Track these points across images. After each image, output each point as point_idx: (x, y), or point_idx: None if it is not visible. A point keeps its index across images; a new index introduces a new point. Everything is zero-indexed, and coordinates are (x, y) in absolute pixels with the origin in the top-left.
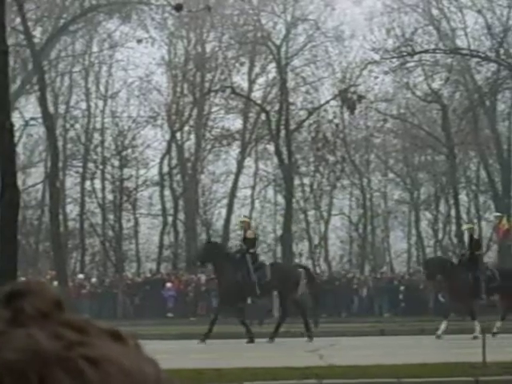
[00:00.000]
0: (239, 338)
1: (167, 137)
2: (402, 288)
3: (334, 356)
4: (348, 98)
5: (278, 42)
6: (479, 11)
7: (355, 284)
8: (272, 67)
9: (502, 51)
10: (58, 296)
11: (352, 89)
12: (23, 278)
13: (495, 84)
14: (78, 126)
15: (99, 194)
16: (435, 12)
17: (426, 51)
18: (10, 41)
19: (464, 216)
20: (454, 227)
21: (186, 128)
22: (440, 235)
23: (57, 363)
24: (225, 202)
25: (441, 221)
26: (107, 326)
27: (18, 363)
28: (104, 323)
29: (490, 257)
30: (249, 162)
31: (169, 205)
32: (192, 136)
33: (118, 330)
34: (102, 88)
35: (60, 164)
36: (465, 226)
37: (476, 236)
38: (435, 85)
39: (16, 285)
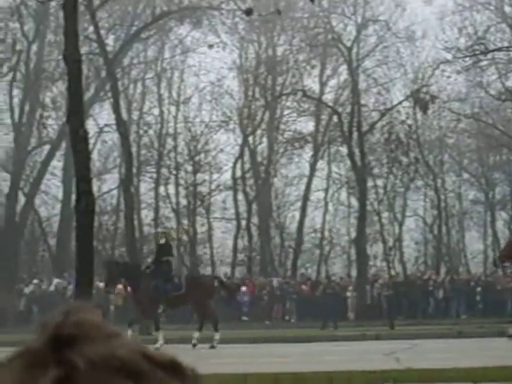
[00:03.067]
0: (316, 342)
1: (240, 141)
2: (478, 289)
3: (411, 359)
4: (420, 99)
5: (348, 44)
6: None
7: (431, 286)
8: (343, 69)
9: None
10: (109, 331)
11: (424, 89)
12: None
13: None
14: (151, 131)
15: (173, 199)
16: (508, 9)
17: (500, 49)
18: (84, 49)
19: None
20: None
21: (259, 132)
22: None
23: None
24: (298, 204)
25: None
26: (166, 359)
27: None
28: (163, 354)
29: None
30: (321, 164)
31: (242, 209)
32: (264, 139)
33: (177, 362)
34: (174, 94)
35: (134, 170)
36: None
37: None
38: (509, 83)
39: (63, 326)
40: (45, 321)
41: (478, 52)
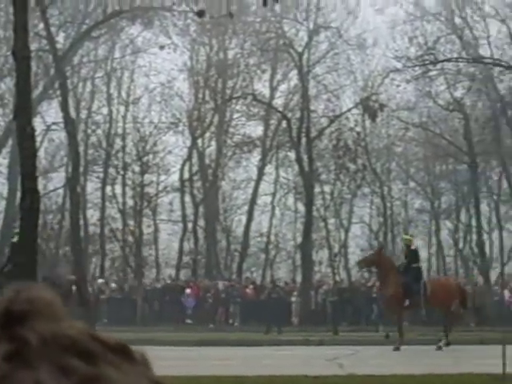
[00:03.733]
0: (259, 346)
1: (188, 143)
2: None
3: (354, 365)
4: (369, 107)
5: (299, 50)
6: (503, 20)
7: (374, 293)
8: (294, 74)
9: None
10: (59, 310)
11: (374, 97)
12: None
13: None
14: (99, 131)
15: (120, 200)
16: (458, 21)
17: (449, 60)
18: (33, 46)
19: (485, 225)
20: (474, 237)
21: (207, 134)
22: (461, 244)
23: None
24: (245, 208)
25: (461, 230)
26: (115, 342)
27: None
28: (111, 337)
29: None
30: (269, 169)
31: (189, 211)
32: (213, 142)
33: (126, 346)
34: (123, 94)
35: (81, 169)
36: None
37: (413, 247)
38: (457, 94)
39: (15, 302)
40: None
41: (427, 62)
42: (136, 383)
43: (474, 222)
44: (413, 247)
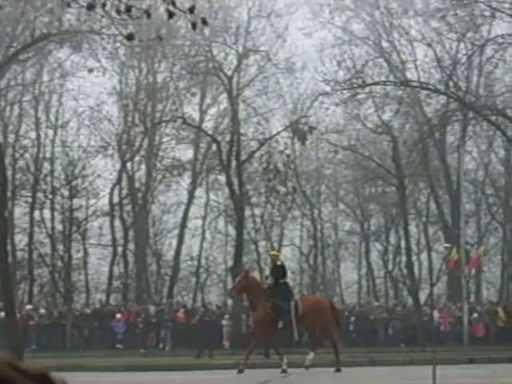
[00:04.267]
0: (191, 370)
1: (118, 167)
2: (352, 319)
3: None
4: (299, 129)
5: (229, 73)
6: (429, 44)
7: None
8: (223, 98)
9: (451, 84)
10: None
11: (303, 120)
12: None
13: (444, 116)
14: (27, 155)
15: (48, 224)
16: (385, 45)
17: (377, 83)
18: None
19: (414, 247)
20: (403, 258)
21: (137, 158)
22: (390, 266)
23: None
24: (175, 232)
25: (391, 252)
26: (36, 371)
27: None
28: (32, 365)
29: (440, 288)
30: (200, 192)
31: (119, 235)
32: (143, 166)
33: (46, 374)
34: (52, 117)
35: (9, 194)
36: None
37: (279, 263)
38: (385, 116)
39: None
40: None
41: (355, 85)
42: None
43: (403, 244)
44: (279, 262)
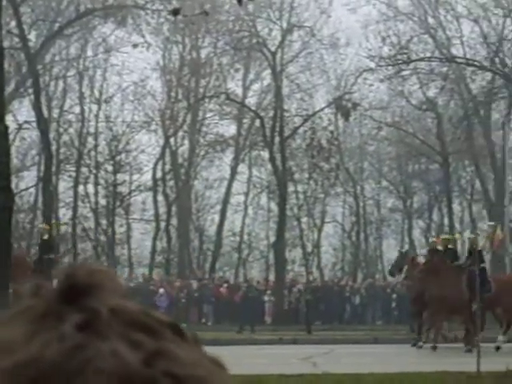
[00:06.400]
0: (233, 345)
1: (161, 142)
2: (394, 296)
3: (328, 364)
4: (342, 106)
5: (273, 49)
6: (475, 20)
7: (347, 292)
8: (267, 74)
9: (497, 60)
10: (121, 287)
11: (347, 96)
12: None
13: (490, 93)
14: (71, 130)
15: (92, 199)
16: (431, 20)
17: (422, 59)
18: (5, 44)
19: (457, 225)
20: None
21: (180, 133)
22: None
23: None
24: (218, 208)
25: (434, 229)
26: (168, 320)
27: None
28: (161, 315)
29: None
30: (242, 168)
31: (162, 210)
32: (186, 142)
33: (179, 325)
34: (96, 92)
35: (53, 168)
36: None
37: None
38: (430, 93)
39: (76, 276)
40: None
41: (400, 61)
42: (198, 360)
43: (446, 221)
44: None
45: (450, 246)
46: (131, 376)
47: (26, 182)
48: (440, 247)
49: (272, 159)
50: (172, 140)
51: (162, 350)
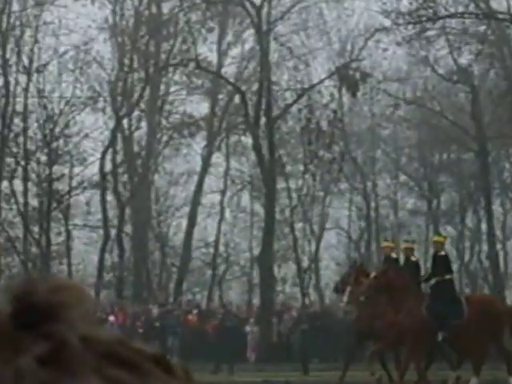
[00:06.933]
0: None
1: (111, 124)
2: None
3: None
4: (348, 77)
5: (257, 2)
6: None
7: None
8: (249, 35)
9: None
10: (93, 308)
11: (354, 64)
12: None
13: None
14: None
15: (20, 199)
16: None
17: (452, 16)
18: None
19: (498, 232)
20: (485, 246)
21: (136, 113)
22: (467, 256)
23: None
24: (186, 210)
25: (467, 238)
26: (150, 351)
27: None
28: (142, 345)
29: None
30: (218, 158)
31: (112, 214)
32: (143, 124)
33: (165, 357)
34: (24, 59)
35: None
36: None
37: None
38: (463, 60)
39: (35, 293)
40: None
41: (424, 18)
42: None
43: (484, 228)
44: (413, 259)
45: (413, 259)
46: None
47: None
48: (394, 255)
49: (256, 146)
50: (125, 122)
51: None
